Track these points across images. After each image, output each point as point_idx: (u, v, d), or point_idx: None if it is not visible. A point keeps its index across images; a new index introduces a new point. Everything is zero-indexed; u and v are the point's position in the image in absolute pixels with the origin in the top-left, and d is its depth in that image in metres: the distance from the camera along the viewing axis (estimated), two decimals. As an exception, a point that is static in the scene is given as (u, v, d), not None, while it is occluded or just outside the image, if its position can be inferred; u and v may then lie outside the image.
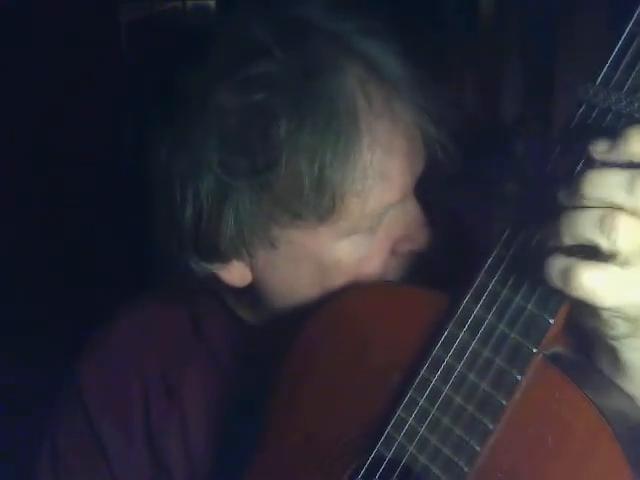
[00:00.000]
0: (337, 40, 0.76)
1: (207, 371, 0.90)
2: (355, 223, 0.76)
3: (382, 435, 0.69)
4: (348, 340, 0.75)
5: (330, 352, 0.75)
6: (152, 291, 0.94)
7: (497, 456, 0.63)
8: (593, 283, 0.54)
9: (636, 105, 0.56)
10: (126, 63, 2.68)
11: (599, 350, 0.63)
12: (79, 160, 2.44)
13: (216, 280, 0.80)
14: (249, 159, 0.72)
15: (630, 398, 0.63)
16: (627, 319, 0.58)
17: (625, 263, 0.54)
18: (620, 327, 0.58)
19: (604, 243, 0.53)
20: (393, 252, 0.80)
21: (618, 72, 0.57)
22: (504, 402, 0.62)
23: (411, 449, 0.67)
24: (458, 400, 0.65)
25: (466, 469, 0.63)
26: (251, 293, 0.83)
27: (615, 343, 0.61)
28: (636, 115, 0.56)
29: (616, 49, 0.58)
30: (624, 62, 0.57)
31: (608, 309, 0.57)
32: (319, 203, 0.73)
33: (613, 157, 0.55)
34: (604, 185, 0.54)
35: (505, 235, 0.63)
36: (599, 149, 0.55)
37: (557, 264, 0.55)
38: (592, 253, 0.55)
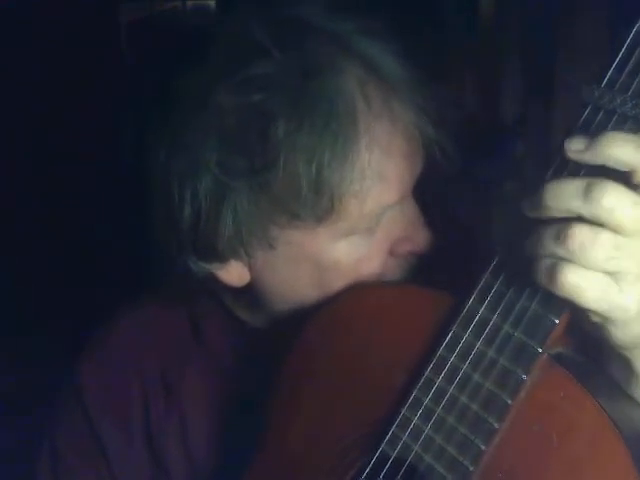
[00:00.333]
0: (336, 40, 0.76)
1: (206, 371, 0.90)
2: (353, 224, 0.76)
3: (387, 435, 0.69)
4: (350, 340, 0.75)
5: (332, 352, 0.75)
6: (152, 291, 0.94)
7: (502, 455, 0.63)
8: (576, 282, 0.55)
9: None
10: (126, 63, 2.68)
11: (612, 359, 0.63)
12: (79, 160, 2.44)
13: (214, 280, 0.80)
14: (247, 159, 0.72)
15: (634, 401, 0.63)
16: (619, 324, 0.58)
17: (599, 268, 0.55)
18: (617, 334, 0.59)
19: (563, 253, 0.55)
20: (391, 253, 0.80)
21: (623, 75, 0.58)
22: (509, 401, 0.62)
23: (416, 448, 0.67)
24: (463, 399, 0.65)
25: (471, 468, 0.64)
26: (249, 293, 0.83)
27: (627, 353, 0.61)
28: None
29: (621, 52, 0.58)
30: (629, 65, 0.58)
31: (594, 311, 0.57)
32: (317, 204, 0.73)
33: (587, 157, 0.56)
34: (561, 195, 0.55)
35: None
36: (574, 147, 0.56)
37: (543, 263, 0.56)
38: None
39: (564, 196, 0.55)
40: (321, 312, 0.77)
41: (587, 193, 0.54)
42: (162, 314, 0.93)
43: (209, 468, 0.89)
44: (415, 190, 0.80)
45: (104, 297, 1.23)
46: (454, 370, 0.66)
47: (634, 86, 0.57)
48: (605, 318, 0.58)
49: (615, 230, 0.55)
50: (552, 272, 0.56)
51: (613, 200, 0.54)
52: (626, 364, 0.62)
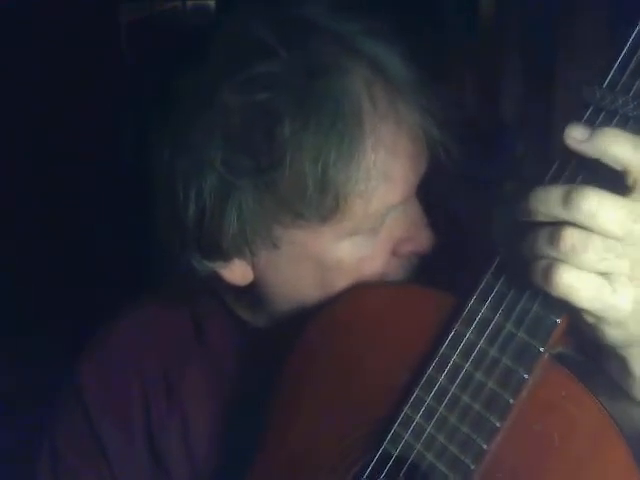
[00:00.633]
0: (341, 40, 0.76)
1: (208, 371, 0.90)
2: (358, 224, 0.76)
3: (388, 433, 0.69)
4: (351, 339, 0.75)
5: (333, 351, 0.75)
6: (153, 291, 0.94)
7: (503, 454, 0.63)
8: (570, 282, 0.56)
9: None
10: (126, 63, 2.68)
11: (610, 359, 0.63)
12: (79, 160, 2.44)
13: (217, 279, 0.80)
14: (253, 158, 0.72)
15: (634, 400, 0.63)
16: (613, 324, 0.58)
17: (592, 269, 0.56)
18: (611, 334, 0.59)
19: (557, 254, 0.56)
20: (394, 253, 0.80)
21: (625, 76, 0.58)
22: (511, 400, 0.62)
23: (418, 447, 0.67)
24: (465, 398, 0.65)
25: (473, 467, 0.64)
26: (252, 293, 0.83)
27: (622, 352, 0.61)
28: None
29: (623, 53, 0.58)
30: (631, 66, 0.58)
31: (589, 311, 0.58)
32: (322, 203, 0.73)
33: (583, 148, 0.57)
34: (545, 202, 0.57)
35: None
36: (573, 134, 0.57)
37: (539, 264, 0.57)
38: None
39: (548, 203, 0.57)
40: (323, 312, 0.77)
41: (567, 200, 0.56)
42: (163, 314, 0.93)
43: (210, 468, 0.89)
44: (418, 191, 0.80)
45: (104, 297, 1.24)
46: (456, 369, 0.66)
47: (635, 87, 0.58)
48: (599, 318, 0.58)
49: (603, 234, 0.55)
50: (547, 272, 0.57)
51: (593, 205, 0.55)
52: (622, 363, 0.62)
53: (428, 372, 0.67)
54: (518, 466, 0.63)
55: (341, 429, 0.73)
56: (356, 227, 0.76)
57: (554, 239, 0.56)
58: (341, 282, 0.78)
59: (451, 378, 0.66)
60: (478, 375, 0.64)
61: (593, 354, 0.64)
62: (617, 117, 0.58)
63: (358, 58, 0.75)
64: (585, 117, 0.59)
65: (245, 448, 0.80)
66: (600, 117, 0.59)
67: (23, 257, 2.61)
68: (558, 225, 0.57)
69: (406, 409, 0.68)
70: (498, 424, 0.63)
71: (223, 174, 0.73)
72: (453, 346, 0.66)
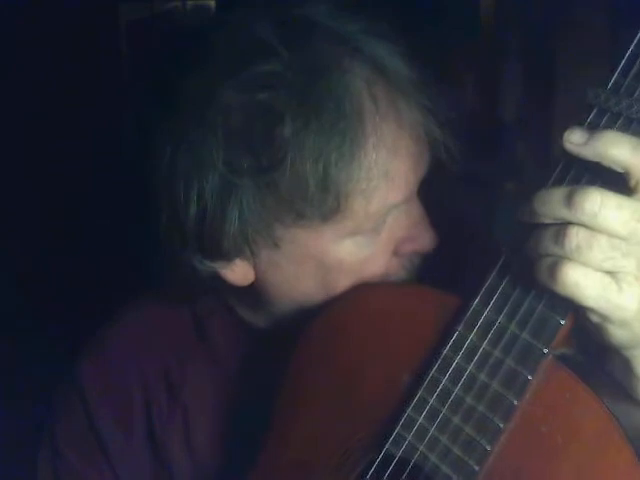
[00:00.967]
0: (343, 40, 0.76)
1: (209, 370, 0.91)
2: (359, 223, 0.76)
3: (391, 434, 0.69)
4: (355, 340, 0.75)
5: (336, 352, 0.75)
6: (153, 291, 0.94)
7: (507, 455, 0.63)
8: (575, 280, 0.56)
9: None
10: (126, 63, 2.68)
11: (613, 360, 0.63)
12: (79, 160, 2.44)
13: (219, 279, 0.80)
14: (254, 158, 0.72)
15: (638, 402, 0.63)
16: (618, 324, 0.58)
17: (598, 267, 0.56)
18: (616, 334, 0.59)
19: (562, 252, 0.56)
20: (396, 253, 0.80)
21: (628, 78, 0.58)
22: (515, 402, 0.62)
23: (421, 448, 0.67)
24: (468, 400, 0.65)
25: (476, 468, 0.64)
26: (253, 293, 0.83)
27: (626, 353, 0.61)
28: None
29: (627, 55, 0.58)
30: (635, 68, 0.58)
31: (594, 310, 0.58)
32: (323, 202, 0.73)
33: (583, 152, 0.57)
34: (548, 203, 0.57)
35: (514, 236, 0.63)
36: (572, 139, 0.57)
37: (545, 262, 0.58)
38: None
39: (552, 204, 0.57)
40: (326, 311, 0.77)
41: (570, 200, 0.56)
42: (164, 313, 0.93)
43: (212, 467, 0.89)
44: (419, 190, 0.80)
45: (104, 297, 1.23)
46: (459, 370, 0.66)
47: (639, 90, 0.58)
48: (604, 317, 0.58)
49: (607, 233, 0.55)
50: (552, 270, 0.57)
51: (596, 205, 0.55)
52: (626, 365, 0.62)
53: (431, 373, 0.67)
54: (522, 468, 0.63)
55: (344, 429, 0.73)
56: (357, 227, 0.76)
57: (559, 238, 0.57)
58: (342, 282, 0.78)
59: (454, 379, 0.66)
60: (482, 376, 0.64)
61: (596, 355, 0.64)
62: (621, 119, 0.58)
63: (359, 58, 0.75)
64: (589, 119, 0.59)
65: (246, 446, 0.80)
66: (604, 119, 0.59)
67: (23, 257, 2.61)
68: (563, 224, 0.57)
69: (409, 410, 0.68)
70: (502, 425, 0.63)
71: (224, 173, 0.73)
72: (456, 347, 0.66)
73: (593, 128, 0.59)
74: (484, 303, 0.65)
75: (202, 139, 0.73)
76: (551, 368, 0.62)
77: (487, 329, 0.65)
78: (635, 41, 0.58)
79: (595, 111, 0.59)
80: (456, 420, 0.65)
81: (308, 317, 0.78)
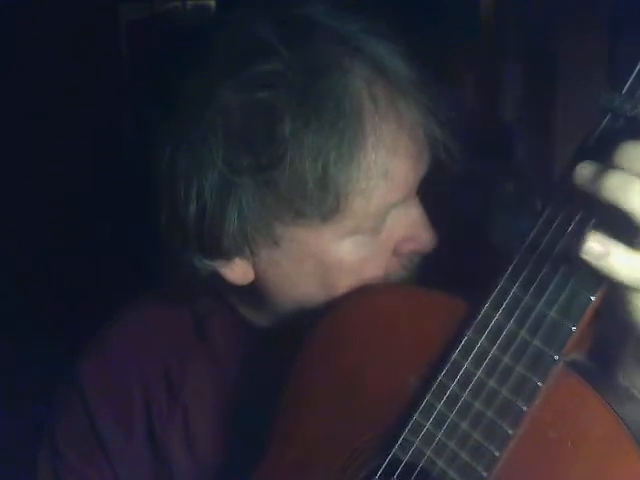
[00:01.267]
0: (343, 40, 0.76)
1: (209, 369, 0.91)
2: (358, 222, 0.76)
3: (398, 439, 0.68)
4: (361, 343, 0.74)
5: (343, 352, 0.75)
6: (153, 291, 0.94)
7: (516, 461, 0.63)
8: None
9: None
10: (126, 63, 2.68)
11: (625, 365, 0.63)
12: (79, 160, 2.44)
13: (219, 278, 0.80)
14: (253, 156, 0.72)
15: None
16: None
17: None
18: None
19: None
20: (396, 252, 0.80)
21: None
22: (524, 408, 0.62)
23: (428, 453, 0.66)
24: (477, 405, 0.64)
25: (485, 474, 0.63)
26: (254, 292, 0.83)
27: None
28: None
29: None
30: None
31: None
32: (323, 201, 0.73)
33: (592, 191, 0.55)
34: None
35: (528, 240, 0.63)
36: (583, 172, 0.56)
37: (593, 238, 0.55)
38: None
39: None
40: (332, 311, 0.77)
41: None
42: (164, 313, 0.93)
43: (212, 466, 0.89)
44: (419, 190, 0.80)
45: (104, 297, 1.23)
46: (468, 375, 0.65)
47: None
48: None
49: None
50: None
51: None
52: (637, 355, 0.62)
53: (439, 378, 0.67)
54: (531, 474, 0.62)
55: (350, 430, 0.73)
56: (357, 226, 0.76)
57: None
58: (343, 281, 0.78)
59: (463, 385, 0.65)
60: (491, 382, 0.64)
61: (606, 361, 0.64)
62: (637, 123, 0.57)
63: (359, 57, 0.75)
64: (603, 124, 0.59)
65: (247, 446, 0.80)
66: (619, 123, 0.58)
67: (23, 257, 2.61)
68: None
69: (416, 415, 0.68)
70: (511, 431, 0.62)
71: (224, 172, 0.73)
72: (466, 352, 0.65)
73: (607, 133, 0.58)
74: (494, 308, 0.64)
75: (202, 139, 0.73)
76: (561, 374, 0.61)
77: (497, 334, 0.64)
78: None
79: (609, 116, 0.59)
80: (464, 426, 0.65)
81: (309, 316, 0.78)
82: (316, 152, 0.72)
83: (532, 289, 0.62)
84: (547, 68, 2.14)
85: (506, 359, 0.63)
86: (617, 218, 0.55)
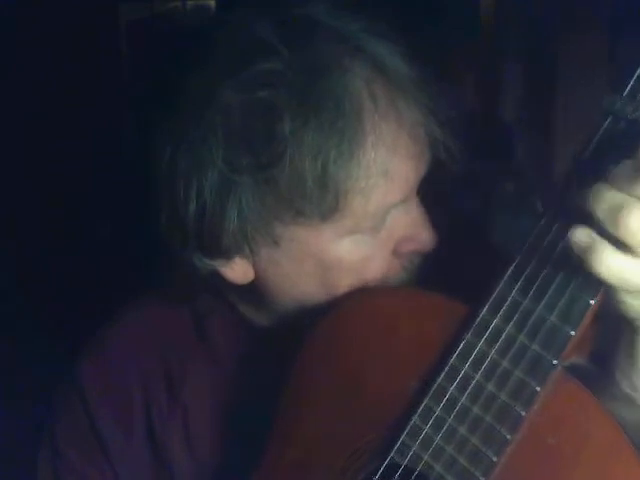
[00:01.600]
0: (344, 39, 0.76)
1: (209, 369, 0.90)
2: (358, 222, 0.76)
3: (396, 442, 0.68)
4: (360, 345, 0.74)
5: (343, 353, 0.75)
6: (153, 291, 0.94)
7: (514, 467, 0.62)
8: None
9: None
10: (126, 63, 2.69)
11: (624, 368, 0.62)
12: (79, 160, 2.44)
13: (219, 277, 0.80)
14: (253, 155, 0.72)
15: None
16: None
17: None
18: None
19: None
20: (396, 253, 0.80)
21: None
22: (523, 413, 0.61)
23: (426, 458, 0.66)
24: (475, 410, 0.64)
25: (483, 479, 0.63)
26: (254, 291, 0.83)
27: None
28: None
29: None
30: None
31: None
32: (322, 200, 0.73)
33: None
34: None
35: (528, 243, 0.63)
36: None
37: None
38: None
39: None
40: (333, 311, 0.76)
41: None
42: (164, 312, 0.93)
43: (212, 466, 0.89)
44: (419, 190, 0.80)
45: (104, 297, 1.23)
46: (467, 379, 0.65)
47: None
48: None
49: None
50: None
51: None
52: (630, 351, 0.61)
53: (438, 381, 0.66)
54: (529, 479, 0.62)
55: (350, 431, 0.73)
56: (356, 225, 0.76)
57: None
58: (343, 281, 0.78)
59: (461, 389, 0.65)
60: (489, 386, 0.63)
61: (605, 364, 0.64)
62: (638, 126, 0.57)
63: (359, 57, 0.75)
64: (604, 126, 0.59)
65: (246, 446, 0.80)
66: (620, 126, 0.58)
67: (23, 257, 2.61)
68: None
69: (415, 418, 0.67)
70: (509, 437, 0.62)
71: (224, 171, 0.73)
72: (464, 356, 0.65)
73: (609, 135, 0.58)
74: (493, 311, 0.64)
75: (202, 138, 0.73)
76: (560, 379, 0.61)
77: (495, 338, 0.64)
78: None
79: (610, 118, 0.58)
80: (462, 430, 0.64)
81: (309, 316, 0.78)
82: (316, 151, 0.72)
83: (531, 293, 0.62)
84: (547, 68, 2.14)
85: (505, 363, 0.63)
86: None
